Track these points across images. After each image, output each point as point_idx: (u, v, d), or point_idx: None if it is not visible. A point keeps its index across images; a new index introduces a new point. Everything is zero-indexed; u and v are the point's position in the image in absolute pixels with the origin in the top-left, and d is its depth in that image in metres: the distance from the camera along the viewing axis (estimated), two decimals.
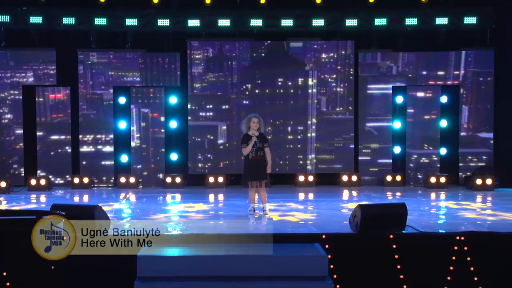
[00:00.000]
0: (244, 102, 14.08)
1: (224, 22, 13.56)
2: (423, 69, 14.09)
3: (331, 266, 7.58)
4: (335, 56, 14.11)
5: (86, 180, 13.50)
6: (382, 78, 14.10)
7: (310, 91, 14.14)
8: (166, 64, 14.04)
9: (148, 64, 13.93)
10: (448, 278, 7.80)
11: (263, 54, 14.10)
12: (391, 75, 14.12)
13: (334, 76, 14.10)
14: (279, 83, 14.18)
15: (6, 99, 13.74)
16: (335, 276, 7.63)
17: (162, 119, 14.06)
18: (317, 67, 14.12)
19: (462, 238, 7.87)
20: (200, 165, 14.04)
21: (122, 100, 13.96)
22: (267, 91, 14.12)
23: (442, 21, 13.58)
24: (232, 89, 14.12)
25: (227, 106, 14.18)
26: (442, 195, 12.59)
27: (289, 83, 14.15)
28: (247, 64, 14.07)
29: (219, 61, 14.07)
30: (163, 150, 13.99)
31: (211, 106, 14.15)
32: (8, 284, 7.63)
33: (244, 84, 14.13)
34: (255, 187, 9.90)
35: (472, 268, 7.82)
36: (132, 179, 13.61)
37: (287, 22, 13.58)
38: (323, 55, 14.11)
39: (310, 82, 14.12)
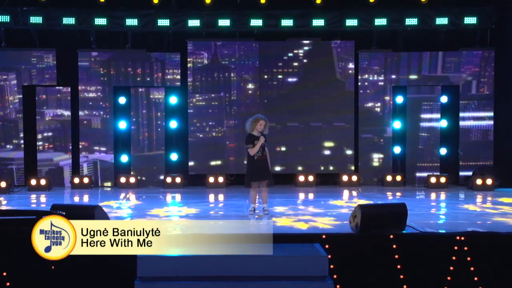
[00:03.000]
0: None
1: (224, 22, 13.55)
2: None
3: (331, 266, 7.58)
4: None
5: (86, 180, 13.51)
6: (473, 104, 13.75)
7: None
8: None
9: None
10: (448, 278, 7.80)
11: (279, 77, 13.76)
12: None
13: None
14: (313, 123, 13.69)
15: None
16: (335, 276, 7.63)
17: None
18: None
19: (462, 238, 7.86)
20: (200, 165, 14.04)
21: (122, 100, 13.96)
22: (300, 149, 13.77)
23: (442, 21, 13.58)
24: (230, 108, 13.66)
25: (219, 163, 13.65)
26: (442, 195, 12.59)
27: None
28: (250, 75, 13.80)
29: (212, 71, 13.81)
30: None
31: (192, 163, 13.72)
32: (8, 284, 7.63)
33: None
34: (257, 187, 9.88)
35: (472, 268, 7.81)
36: (132, 179, 13.60)
37: (287, 22, 13.57)
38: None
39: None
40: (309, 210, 10.51)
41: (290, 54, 14.02)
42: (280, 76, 14.04)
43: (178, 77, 13.94)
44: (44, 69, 13.76)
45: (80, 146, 13.88)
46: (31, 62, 13.75)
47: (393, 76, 14.03)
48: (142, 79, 13.93)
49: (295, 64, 14.01)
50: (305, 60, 14.03)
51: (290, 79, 14.04)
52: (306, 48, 14.00)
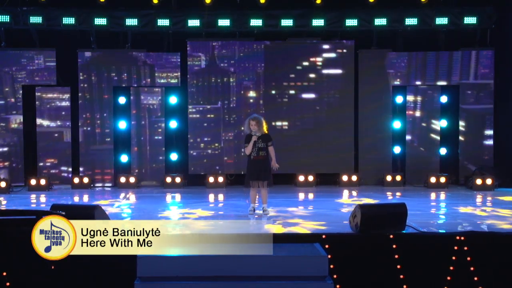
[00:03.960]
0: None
1: (224, 22, 13.54)
2: None
3: (331, 266, 7.58)
4: None
5: (86, 180, 13.51)
6: None
7: None
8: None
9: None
10: (448, 278, 7.81)
11: (291, 93, 13.33)
12: None
13: None
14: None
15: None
16: (335, 276, 7.63)
17: None
18: None
19: (462, 238, 7.87)
20: (200, 165, 14.02)
21: (122, 100, 13.96)
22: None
23: (442, 21, 13.57)
24: (229, 117, 13.54)
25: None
26: (442, 195, 12.58)
27: None
28: (251, 79, 13.70)
29: (209, 75, 13.66)
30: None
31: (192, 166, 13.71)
32: (8, 284, 7.63)
33: None
34: (256, 187, 9.92)
35: (472, 268, 7.82)
36: (132, 179, 13.60)
37: (287, 22, 13.56)
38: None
39: None
40: (298, 213, 10.38)
41: (305, 63, 13.61)
42: (292, 92, 13.63)
43: (173, 81, 13.86)
44: (35, 70, 13.66)
45: (43, 164, 13.51)
46: (21, 63, 13.63)
47: (418, 82, 13.93)
48: (129, 83, 13.83)
49: (312, 76, 13.62)
50: (324, 71, 13.68)
51: (304, 95, 13.60)
52: (325, 55, 13.63)
